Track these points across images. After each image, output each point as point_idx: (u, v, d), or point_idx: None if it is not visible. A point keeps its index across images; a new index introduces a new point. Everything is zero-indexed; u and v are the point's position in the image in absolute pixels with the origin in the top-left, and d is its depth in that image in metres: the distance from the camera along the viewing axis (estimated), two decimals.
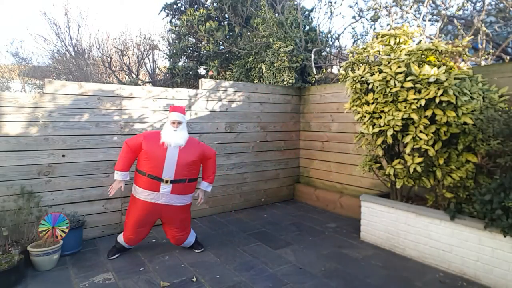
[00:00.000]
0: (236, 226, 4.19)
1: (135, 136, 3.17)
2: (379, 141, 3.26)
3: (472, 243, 2.82)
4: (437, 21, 5.71)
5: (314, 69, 5.76)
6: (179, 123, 3.14)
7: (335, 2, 6.17)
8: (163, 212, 3.17)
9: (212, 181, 3.41)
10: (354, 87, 3.36)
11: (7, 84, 10.33)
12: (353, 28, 7.02)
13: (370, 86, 3.17)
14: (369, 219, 3.67)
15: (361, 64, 3.50)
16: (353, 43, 6.48)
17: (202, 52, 7.48)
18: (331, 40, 6.39)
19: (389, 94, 3.09)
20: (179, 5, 8.60)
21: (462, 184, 3.03)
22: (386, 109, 3.13)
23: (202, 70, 8.03)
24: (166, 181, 3.07)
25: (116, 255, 3.28)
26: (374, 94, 3.23)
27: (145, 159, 3.09)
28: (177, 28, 7.84)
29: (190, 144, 3.19)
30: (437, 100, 2.79)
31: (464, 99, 2.87)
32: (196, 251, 3.42)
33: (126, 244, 3.28)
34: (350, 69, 3.64)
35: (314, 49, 5.81)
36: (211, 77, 7.11)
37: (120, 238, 3.30)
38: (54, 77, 9.57)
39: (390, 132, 3.05)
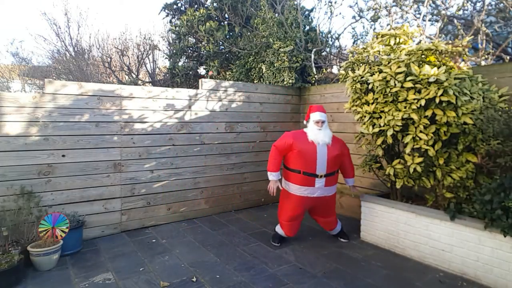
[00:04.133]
0: (236, 226, 4.19)
1: (282, 138, 3.39)
2: (379, 141, 3.26)
3: (472, 243, 2.82)
4: (437, 21, 5.70)
5: (314, 69, 5.75)
6: (323, 122, 3.34)
7: (335, 2, 6.16)
8: (317, 203, 3.45)
9: (354, 175, 3.68)
10: (354, 87, 3.36)
11: (7, 84, 10.33)
12: (353, 28, 7.03)
13: (370, 86, 3.17)
14: (369, 219, 3.67)
15: (361, 64, 3.50)
16: (353, 43, 6.48)
17: (202, 52, 7.48)
18: (331, 40, 6.39)
19: (389, 94, 3.09)
20: (179, 5, 8.60)
21: (462, 184, 3.02)
22: (386, 109, 3.13)
23: (202, 70, 8.03)
24: (320, 176, 3.30)
25: (279, 243, 3.60)
26: (374, 94, 3.23)
27: (297, 158, 3.30)
28: (177, 28, 7.84)
29: (333, 140, 3.41)
30: (437, 100, 2.79)
31: (464, 99, 2.87)
32: (343, 240, 3.72)
33: (286, 236, 3.61)
34: (350, 69, 3.64)
35: (314, 49, 5.81)
36: (211, 77, 7.11)
37: (279, 229, 3.63)
38: (54, 77, 9.57)
39: (390, 132, 3.05)
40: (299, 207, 3.43)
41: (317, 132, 3.32)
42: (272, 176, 3.40)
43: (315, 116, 3.35)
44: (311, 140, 3.30)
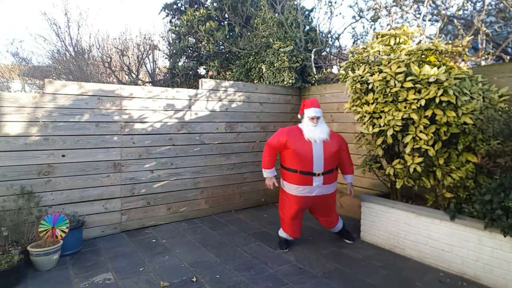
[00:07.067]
0: (236, 226, 4.19)
1: (276, 135, 3.28)
2: (379, 141, 3.26)
3: (472, 243, 2.82)
4: (437, 21, 5.70)
5: (314, 69, 5.75)
6: (318, 118, 3.23)
7: (335, 2, 6.16)
8: (316, 202, 3.36)
9: (353, 171, 3.55)
10: (354, 87, 3.36)
11: (7, 84, 10.33)
12: (353, 28, 7.02)
13: (370, 86, 3.17)
14: (369, 219, 3.67)
15: (361, 64, 3.50)
16: (353, 43, 6.47)
17: (202, 52, 7.48)
18: (331, 40, 6.39)
19: (389, 94, 3.09)
20: (179, 5, 8.60)
21: (462, 184, 3.02)
22: (386, 109, 3.13)
23: (202, 70, 8.03)
24: (318, 174, 3.19)
25: (287, 249, 3.48)
26: (374, 94, 3.23)
27: (293, 157, 3.20)
28: (177, 28, 7.84)
29: (331, 135, 3.30)
30: (437, 100, 2.79)
31: (464, 99, 2.87)
32: (348, 241, 3.66)
33: (291, 238, 3.53)
34: (350, 69, 3.64)
35: (314, 49, 5.81)
36: (211, 77, 7.11)
37: (282, 233, 3.54)
38: (54, 77, 9.57)
39: (390, 132, 3.05)
40: (299, 206, 3.34)
41: (312, 129, 3.20)
42: (267, 173, 3.36)
43: (310, 112, 3.22)
44: (307, 138, 3.19)
